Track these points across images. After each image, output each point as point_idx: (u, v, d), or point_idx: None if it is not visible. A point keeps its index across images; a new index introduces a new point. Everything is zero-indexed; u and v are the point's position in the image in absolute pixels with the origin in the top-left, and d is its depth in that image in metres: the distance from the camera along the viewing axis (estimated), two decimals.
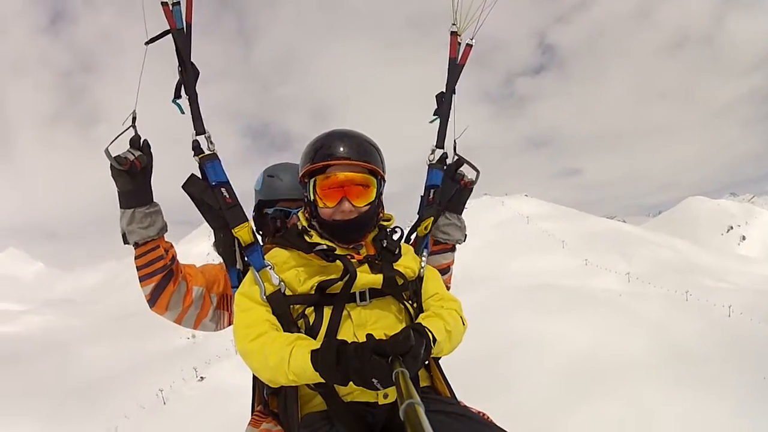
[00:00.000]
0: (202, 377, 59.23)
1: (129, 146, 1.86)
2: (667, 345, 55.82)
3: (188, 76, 1.78)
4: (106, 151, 1.74)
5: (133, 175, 1.81)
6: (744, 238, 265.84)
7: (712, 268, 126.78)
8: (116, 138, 1.82)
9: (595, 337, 58.13)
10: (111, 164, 1.77)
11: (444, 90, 2.14)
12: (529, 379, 48.47)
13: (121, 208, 1.86)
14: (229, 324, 2.05)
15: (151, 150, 1.90)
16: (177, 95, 1.81)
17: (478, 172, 2.16)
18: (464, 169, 2.20)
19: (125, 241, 1.88)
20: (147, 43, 1.80)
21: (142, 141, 1.88)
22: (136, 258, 1.87)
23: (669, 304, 73.06)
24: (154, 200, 1.89)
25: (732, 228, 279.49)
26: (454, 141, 2.15)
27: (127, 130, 1.86)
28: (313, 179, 1.63)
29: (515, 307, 69.35)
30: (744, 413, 41.58)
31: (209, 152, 1.78)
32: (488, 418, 1.60)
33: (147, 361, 76.75)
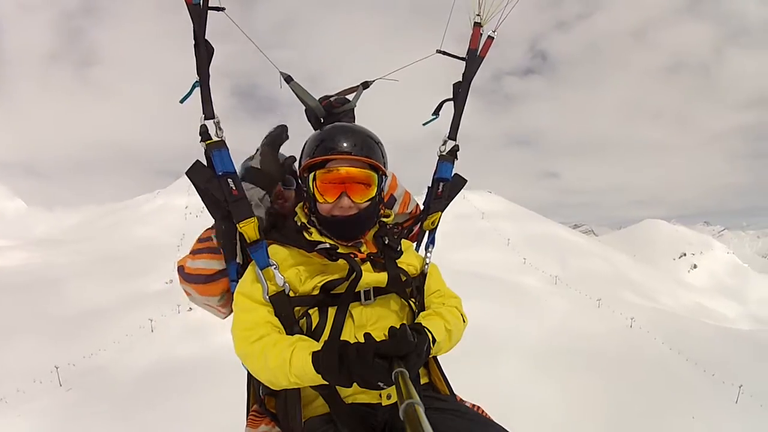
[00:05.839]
0: (190, 308, 62.10)
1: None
2: (562, 338, 63.12)
3: (201, 55, 1.66)
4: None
5: None
6: (695, 266, 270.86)
7: (642, 285, 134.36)
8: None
9: (497, 317, 65.14)
10: None
11: (461, 80, 2.06)
12: None
13: None
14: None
15: None
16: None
17: (465, 181, 2.08)
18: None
19: None
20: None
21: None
22: None
23: (577, 306, 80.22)
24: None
25: (685, 255, 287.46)
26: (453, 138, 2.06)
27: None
28: (312, 173, 1.60)
29: None
30: (615, 404, 47.07)
31: (217, 139, 1.66)
32: (482, 411, 1.64)
33: (131, 299, 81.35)
